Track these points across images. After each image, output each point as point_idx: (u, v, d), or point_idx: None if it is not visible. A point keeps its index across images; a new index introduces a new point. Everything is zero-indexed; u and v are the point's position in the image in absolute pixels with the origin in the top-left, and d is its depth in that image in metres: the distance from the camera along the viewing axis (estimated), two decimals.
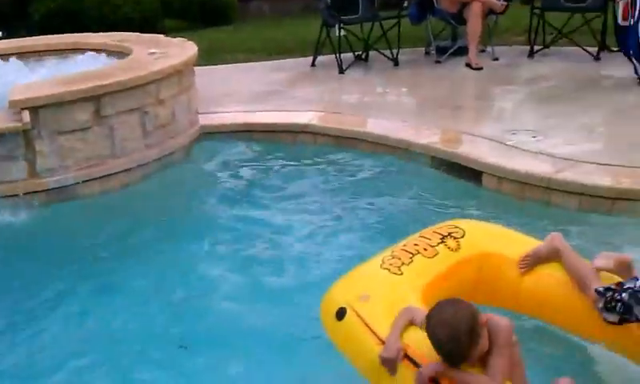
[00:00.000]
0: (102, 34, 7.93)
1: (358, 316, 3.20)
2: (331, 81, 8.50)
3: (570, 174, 5.21)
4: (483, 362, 2.81)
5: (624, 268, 3.34)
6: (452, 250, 3.59)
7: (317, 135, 6.69)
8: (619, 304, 3.13)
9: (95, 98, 5.47)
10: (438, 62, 9.01)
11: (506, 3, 8.75)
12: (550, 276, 3.52)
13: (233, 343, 3.87)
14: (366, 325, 3.15)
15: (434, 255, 3.54)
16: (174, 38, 7.54)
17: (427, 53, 9.42)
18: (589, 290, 3.30)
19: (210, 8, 14.76)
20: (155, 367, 3.76)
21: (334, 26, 8.74)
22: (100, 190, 5.61)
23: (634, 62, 7.31)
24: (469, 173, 5.67)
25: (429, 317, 2.76)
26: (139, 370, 3.73)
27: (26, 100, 5.17)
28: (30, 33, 13.28)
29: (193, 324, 4.11)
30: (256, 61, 9.87)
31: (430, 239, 3.62)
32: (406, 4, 9.07)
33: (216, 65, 9.61)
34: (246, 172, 6.28)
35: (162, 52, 6.62)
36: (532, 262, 3.56)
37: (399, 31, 9.00)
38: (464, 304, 2.78)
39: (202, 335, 3.99)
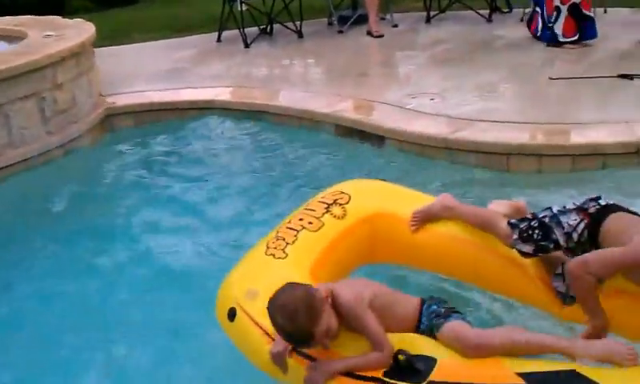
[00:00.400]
0: None
1: (248, 315, 3.06)
2: (237, 56, 8.49)
3: (467, 133, 5.39)
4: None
5: (519, 213, 3.40)
6: (338, 218, 3.48)
7: (224, 111, 6.68)
8: (536, 231, 3.14)
9: None
10: (340, 31, 9.11)
11: None
12: (442, 231, 3.47)
13: (134, 330, 3.80)
14: (256, 324, 3.00)
15: (320, 228, 3.42)
16: (80, 19, 7.39)
17: (330, 23, 9.52)
18: (497, 227, 3.29)
19: None
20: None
21: (236, 1, 8.74)
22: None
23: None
24: (371, 138, 5.80)
25: (268, 308, 2.72)
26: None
27: None
28: None
29: (86, 315, 3.98)
30: (162, 39, 9.75)
31: (314, 210, 3.50)
32: None
33: (122, 45, 9.49)
34: (152, 152, 6.24)
35: (58, 34, 6.49)
36: (423, 218, 3.51)
37: (300, 4, 9.09)
38: (298, 285, 2.75)
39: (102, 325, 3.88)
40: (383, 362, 2.69)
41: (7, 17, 7.76)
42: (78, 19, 7.28)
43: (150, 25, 10.77)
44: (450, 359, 2.67)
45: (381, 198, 3.68)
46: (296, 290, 2.71)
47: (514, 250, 3.24)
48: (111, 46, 9.37)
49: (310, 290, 2.72)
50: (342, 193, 3.62)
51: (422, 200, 3.63)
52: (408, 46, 8.27)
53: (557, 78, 6.41)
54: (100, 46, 8.74)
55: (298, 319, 2.62)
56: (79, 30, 6.76)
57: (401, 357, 2.66)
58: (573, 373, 2.49)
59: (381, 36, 8.60)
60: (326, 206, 3.52)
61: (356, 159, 5.70)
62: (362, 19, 9.03)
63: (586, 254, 2.89)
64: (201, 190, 5.47)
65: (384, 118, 5.85)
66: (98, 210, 5.28)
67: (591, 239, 3.03)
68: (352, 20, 9.24)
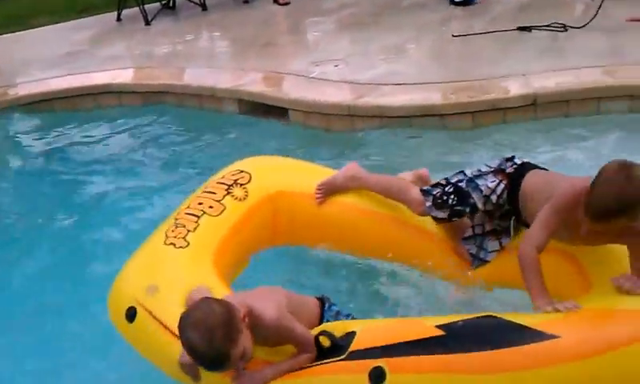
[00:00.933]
0: None
1: (151, 315, 2.81)
2: (137, 34, 8.28)
3: (370, 99, 5.34)
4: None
5: (422, 181, 3.34)
6: (240, 200, 3.30)
7: (120, 94, 6.48)
8: (451, 197, 3.09)
9: None
10: (246, 1, 8.96)
11: None
12: (348, 205, 3.37)
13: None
14: (161, 323, 2.76)
15: (221, 211, 3.22)
16: None
17: None
18: (408, 195, 3.21)
19: None
20: None
21: None
22: None
23: None
24: (276, 111, 5.70)
25: (179, 325, 2.44)
26: None
27: None
28: None
29: None
30: (60, 22, 9.44)
31: (215, 193, 3.31)
32: None
33: (16, 32, 9.15)
34: (43, 146, 6.03)
35: None
36: (328, 190, 3.40)
37: None
38: (216, 301, 2.49)
39: None
40: (312, 358, 2.60)
41: None
42: None
43: (45, 9, 10.38)
44: (370, 328, 2.63)
45: (283, 175, 3.54)
46: (214, 307, 2.43)
47: (427, 216, 3.18)
48: (9, 33, 9.06)
49: (231, 308, 2.45)
50: (242, 172, 3.43)
51: (327, 174, 3.49)
52: (315, 12, 8.18)
53: (459, 35, 6.41)
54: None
55: (215, 340, 2.36)
56: None
57: (322, 338, 2.60)
58: (489, 317, 2.52)
59: (287, 3, 8.49)
60: (226, 187, 3.33)
61: (261, 135, 5.58)
62: None
63: (525, 233, 2.85)
64: (96, 181, 5.27)
65: (286, 89, 5.77)
66: None
67: (510, 200, 3.01)
68: None
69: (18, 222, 4.84)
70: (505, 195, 3.01)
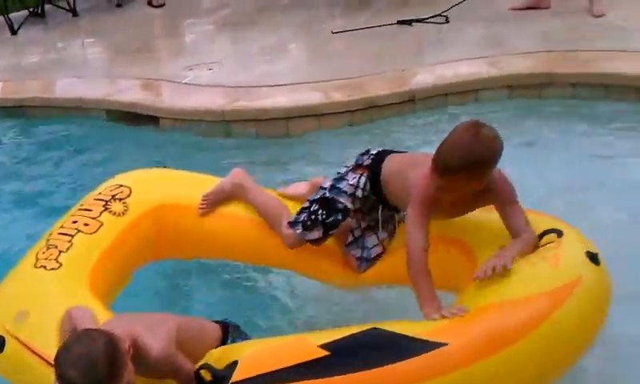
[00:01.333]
0: None
1: (20, 343, 2.62)
2: (3, 45, 7.75)
3: (244, 103, 5.10)
4: None
5: (315, 191, 3.20)
6: (118, 216, 3.12)
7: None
8: (319, 212, 3.01)
9: None
10: (119, 5, 8.54)
11: None
12: (232, 215, 3.24)
13: None
14: (33, 352, 2.58)
15: (98, 228, 3.04)
16: None
17: None
18: (279, 229, 3.13)
19: None
20: None
21: None
22: None
23: None
24: (146, 120, 5.37)
25: (56, 358, 2.20)
26: None
27: None
28: None
29: None
30: None
31: (91, 210, 3.11)
32: None
33: None
34: None
35: None
36: (213, 200, 3.25)
37: None
38: (98, 333, 2.28)
39: None
40: None
41: None
42: None
43: None
44: (254, 353, 2.42)
45: (165, 188, 3.35)
46: (96, 340, 2.21)
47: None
48: None
49: (114, 340, 2.24)
50: (121, 186, 3.24)
51: (211, 183, 3.31)
52: (190, 14, 7.87)
53: (338, 32, 6.22)
54: None
55: (96, 375, 2.15)
56: None
57: (202, 372, 2.38)
58: (374, 330, 2.41)
59: (162, 5, 8.15)
60: (103, 203, 3.14)
61: (131, 145, 5.26)
62: None
63: (406, 237, 2.73)
64: None
65: (156, 97, 5.46)
66: None
67: (374, 190, 2.99)
68: None
69: None
70: (368, 186, 3.00)
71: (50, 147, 5.47)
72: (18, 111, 5.91)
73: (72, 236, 2.98)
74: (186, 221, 3.26)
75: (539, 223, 2.71)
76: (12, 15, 8.08)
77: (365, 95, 4.87)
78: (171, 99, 5.36)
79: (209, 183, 3.33)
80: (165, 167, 3.73)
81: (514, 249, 2.57)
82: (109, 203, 3.14)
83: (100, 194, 3.23)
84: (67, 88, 5.97)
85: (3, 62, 7.08)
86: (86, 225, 3.03)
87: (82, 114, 5.66)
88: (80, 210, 3.15)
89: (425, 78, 4.95)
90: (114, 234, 3.06)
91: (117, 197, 3.19)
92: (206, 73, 5.75)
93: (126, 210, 3.14)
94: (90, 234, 3.01)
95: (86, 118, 5.64)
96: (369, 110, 4.82)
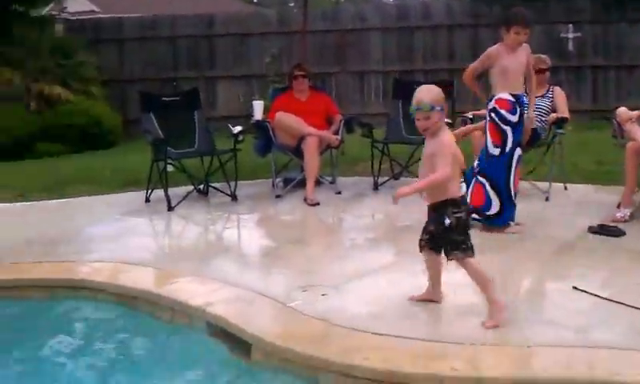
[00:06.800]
0: None
1: None
2: (157, 220, 7.66)
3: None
4: None
5: None
6: None
7: (98, 292, 5.60)
8: None
9: None
10: (278, 196, 8.28)
11: (340, 138, 8.22)
12: None
13: None
14: None
15: None
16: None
17: (274, 185, 8.72)
18: None
19: (91, 133, 14.10)
20: None
21: (162, 160, 7.98)
22: None
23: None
24: (240, 346, 4.71)
25: None
26: None
27: None
28: None
29: None
30: (99, 193, 9.02)
31: None
32: (241, 138, 8.34)
33: (56, 199, 8.78)
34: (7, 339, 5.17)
35: None
36: None
37: (236, 165, 8.27)
38: None
39: None
40: None
41: None
42: None
43: (93, 176, 10.07)
44: None
45: None
46: None
47: None
48: (44, 199, 8.71)
49: None
50: None
51: None
52: (336, 221, 7.37)
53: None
54: (36, 199, 8.54)
55: None
56: None
57: None
58: None
59: (316, 204, 7.74)
60: None
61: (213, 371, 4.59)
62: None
63: None
64: None
65: (252, 319, 4.82)
66: None
67: None
68: (292, 184, 8.45)
69: None
70: None
71: (145, 344, 5.03)
72: (123, 299, 5.44)
73: None
74: None
75: None
76: (182, 188, 8.13)
77: None
78: (267, 324, 4.74)
79: None
80: None
81: None
82: None
83: None
84: (175, 288, 5.46)
85: (140, 241, 6.87)
86: None
87: (185, 320, 5.11)
88: None
89: None
90: None
91: None
92: (317, 298, 5.08)
93: None
94: None
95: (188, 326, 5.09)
96: None
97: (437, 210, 4.56)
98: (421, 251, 4.76)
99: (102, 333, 5.20)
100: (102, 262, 6.13)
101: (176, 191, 8.09)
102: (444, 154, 4.41)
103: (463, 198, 4.64)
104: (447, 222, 4.46)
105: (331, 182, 8.57)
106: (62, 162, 12.09)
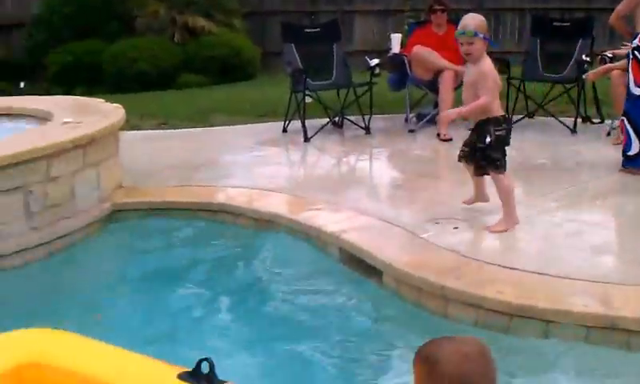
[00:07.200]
0: (43, 98, 7.52)
1: None
2: (293, 150, 7.87)
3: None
4: None
5: None
6: None
7: (237, 216, 5.88)
8: None
9: None
10: (411, 131, 8.26)
11: None
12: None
13: None
14: None
15: None
16: (117, 104, 6.92)
17: (407, 120, 8.70)
18: None
19: (232, 64, 14.42)
20: None
21: (300, 91, 8.12)
22: None
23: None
24: (370, 271, 4.84)
25: None
26: None
27: None
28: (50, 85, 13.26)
29: None
30: (240, 123, 9.30)
31: None
32: (377, 71, 8.35)
33: (199, 127, 9.15)
34: (151, 256, 5.52)
35: (77, 122, 6.07)
36: None
37: (371, 98, 8.30)
38: None
39: None
40: None
41: (57, 97, 7.53)
42: (116, 105, 6.82)
43: (233, 106, 10.38)
44: None
45: (36, 348, 2.84)
46: None
47: None
48: (190, 127, 9.08)
49: None
50: None
51: (100, 353, 2.80)
52: None
53: None
54: (178, 127, 8.92)
55: None
56: (102, 117, 6.32)
57: None
58: None
59: (448, 140, 7.67)
60: None
61: (350, 295, 4.73)
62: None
63: None
64: (199, 298, 4.80)
65: (384, 247, 4.90)
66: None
67: None
68: (425, 119, 8.41)
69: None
70: None
71: (283, 269, 5.20)
72: (262, 224, 5.70)
73: None
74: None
75: None
76: (317, 121, 8.25)
77: None
78: (398, 253, 4.81)
79: (97, 350, 2.83)
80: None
81: None
82: None
83: None
84: (311, 213, 5.64)
85: (279, 169, 7.11)
86: None
87: (319, 245, 5.26)
88: None
89: None
90: None
91: None
92: (449, 230, 5.12)
93: None
94: None
95: (322, 251, 5.24)
96: None
97: (480, 127, 4.98)
98: (459, 161, 5.26)
99: (238, 255, 5.46)
100: (240, 187, 6.37)
101: (312, 123, 8.22)
102: (486, 81, 4.83)
103: (505, 117, 5.11)
104: (487, 140, 4.90)
105: (464, 119, 8.42)
106: (202, 93, 12.49)
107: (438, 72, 8.04)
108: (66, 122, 6.08)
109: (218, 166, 7.24)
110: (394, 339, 4.16)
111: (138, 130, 8.64)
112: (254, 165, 7.18)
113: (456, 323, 4.15)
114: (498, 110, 4.92)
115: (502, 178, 4.97)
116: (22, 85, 12.64)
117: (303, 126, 8.05)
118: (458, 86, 8.05)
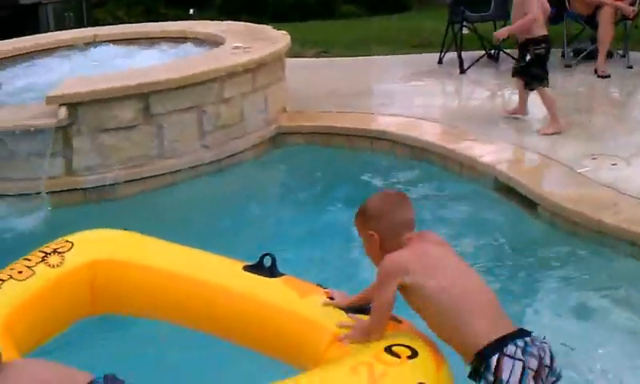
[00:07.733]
0: (216, 22, 7.91)
1: None
2: (448, 82, 7.90)
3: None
4: None
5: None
6: (52, 267, 3.01)
7: (394, 143, 6.05)
8: None
9: (143, 96, 5.24)
10: (567, 66, 8.07)
11: (637, 9, 7.71)
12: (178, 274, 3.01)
13: None
14: None
15: (28, 277, 2.95)
16: (284, 31, 7.15)
17: (563, 55, 8.48)
18: None
19: None
20: None
21: (458, 23, 8.10)
22: (141, 190, 5.34)
23: None
24: (524, 201, 4.91)
25: None
26: None
27: (64, 96, 5.03)
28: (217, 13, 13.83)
29: None
30: (394, 54, 9.39)
31: (30, 260, 3.05)
32: None
33: (357, 56, 9.34)
34: (312, 178, 5.83)
35: (246, 47, 6.39)
36: None
37: None
38: None
39: None
40: None
41: (228, 22, 7.87)
42: (283, 32, 7.08)
43: (385, 37, 10.45)
44: None
45: (110, 246, 3.19)
46: None
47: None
48: (344, 56, 9.28)
49: None
50: (67, 241, 3.16)
51: (171, 249, 3.13)
52: (630, 94, 7.04)
53: None
54: (337, 56, 8.97)
55: None
56: (271, 43, 6.60)
57: None
58: None
59: (606, 76, 7.46)
60: (43, 255, 3.07)
61: (499, 222, 4.85)
62: (595, 55, 7.90)
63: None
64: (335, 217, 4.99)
65: (540, 180, 4.94)
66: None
67: None
68: (582, 54, 8.16)
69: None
70: None
71: (435, 196, 5.31)
72: (418, 153, 5.86)
73: (4, 281, 2.91)
74: (123, 278, 3.08)
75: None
76: (474, 53, 8.21)
77: None
78: (555, 187, 4.83)
79: (167, 248, 3.14)
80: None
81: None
82: (48, 256, 3.06)
83: (47, 246, 3.14)
84: (466, 144, 5.73)
85: (435, 99, 7.21)
86: (20, 272, 2.96)
87: (473, 175, 5.39)
88: (24, 258, 3.08)
89: None
90: (41, 284, 2.95)
91: (58, 250, 3.09)
92: (607, 166, 5.07)
93: (61, 263, 3.03)
94: (20, 280, 2.93)
95: (476, 181, 5.35)
96: None
97: (522, 47, 5.81)
98: (512, 76, 6.13)
99: (396, 178, 5.64)
100: (396, 116, 6.51)
101: (468, 54, 8.19)
102: (531, 1, 5.59)
103: (545, 36, 5.73)
104: (528, 58, 5.71)
105: (622, 56, 8.14)
106: (360, 23, 12.62)
107: (598, 7, 7.77)
108: (236, 47, 6.39)
109: (375, 95, 7.40)
110: (543, 264, 4.25)
111: (299, 57, 8.89)
112: (410, 95, 7.28)
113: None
114: (538, 31, 5.65)
115: (545, 90, 5.79)
116: (191, 11, 13.20)
117: (459, 57, 8.05)
118: (618, 21, 7.80)
